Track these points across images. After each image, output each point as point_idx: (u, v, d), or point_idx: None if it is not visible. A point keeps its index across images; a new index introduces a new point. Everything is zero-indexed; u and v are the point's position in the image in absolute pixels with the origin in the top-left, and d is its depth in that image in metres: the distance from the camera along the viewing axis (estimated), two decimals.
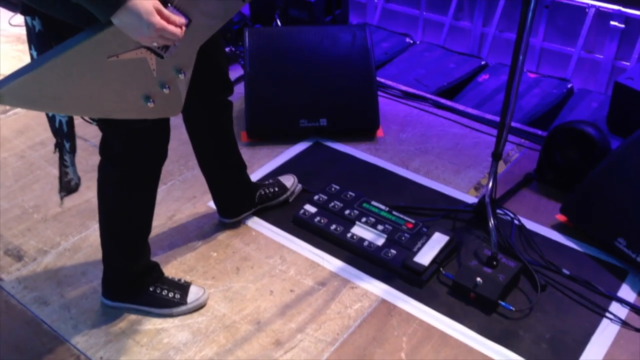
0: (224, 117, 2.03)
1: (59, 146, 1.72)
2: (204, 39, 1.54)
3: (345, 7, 3.94)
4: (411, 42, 3.95)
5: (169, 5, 1.39)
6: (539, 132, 2.80)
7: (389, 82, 3.26)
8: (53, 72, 1.32)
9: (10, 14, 4.14)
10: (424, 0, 4.55)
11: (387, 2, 4.70)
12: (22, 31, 3.88)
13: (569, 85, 3.37)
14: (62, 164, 1.76)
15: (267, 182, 2.37)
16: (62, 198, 1.83)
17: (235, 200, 2.27)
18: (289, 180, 2.40)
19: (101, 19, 1.31)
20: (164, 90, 1.49)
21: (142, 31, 1.32)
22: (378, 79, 3.03)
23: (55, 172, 2.57)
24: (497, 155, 2.10)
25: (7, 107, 3.06)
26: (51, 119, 1.67)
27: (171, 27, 1.36)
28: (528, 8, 1.86)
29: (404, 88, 3.21)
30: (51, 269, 2.09)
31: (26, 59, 3.46)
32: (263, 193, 2.32)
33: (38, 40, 1.48)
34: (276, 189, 2.35)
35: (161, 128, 1.69)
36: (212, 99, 1.94)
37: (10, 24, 4.02)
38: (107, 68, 1.37)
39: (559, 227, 2.26)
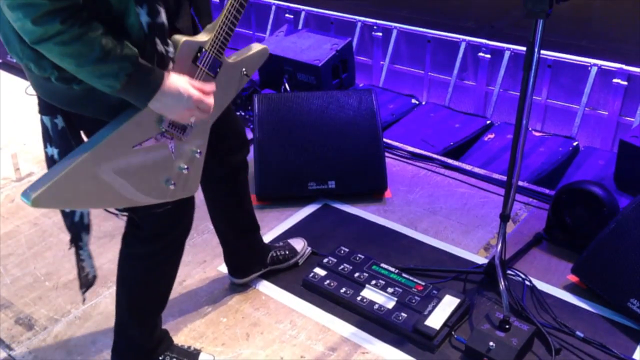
0: (240, 178, 2.07)
1: (75, 241, 1.69)
2: (216, 116, 1.60)
3: (351, 71, 4.05)
4: (417, 103, 4.03)
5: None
6: (547, 191, 2.81)
7: (396, 144, 3.31)
8: (83, 170, 1.35)
9: (27, 83, 4.27)
10: (429, 61, 4.67)
11: (393, 63, 4.82)
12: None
13: (575, 143, 3.40)
14: (78, 259, 1.73)
15: (278, 245, 2.38)
16: (83, 294, 1.80)
17: (247, 261, 2.28)
18: (299, 244, 2.41)
19: (140, 106, 1.38)
20: (183, 171, 1.54)
21: (182, 106, 1.40)
22: (385, 139, 3.08)
23: (67, 239, 2.59)
24: (505, 217, 2.11)
25: (22, 174, 3.13)
26: (69, 214, 1.65)
27: (206, 98, 1.45)
28: (529, 74, 1.91)
29: (411, 149, 3.26)
30: (61, 338, 2.09)
31: None
32: (274, 255, 2.33)
33: (60, 137, 1.51)
34: (287, 252, 2.36)
35: (185, 205, 1.70)
36: (228, 160, 1.96)
37: (27, 94, 4.14)
38: (132, 157, 1.42)
39: (571, 288, 2.24)
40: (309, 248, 2.45)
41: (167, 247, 1.76)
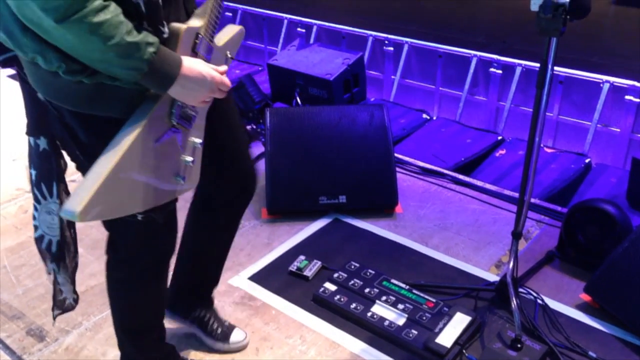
0: (235, 217, 1.90)
1: (49, 265, 1.65)
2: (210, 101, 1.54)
3: (362, 85, 4.07)
4: (428, 117, 4.03)
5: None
6: (559, 209, 2.80)
7: (407, 159, 3.31)
8: (119, 173, 1.30)
9: None
10: (440, 75, 4.68)
11: (404, 78, 4.83)
12: None
13: (587, 160, 3.39)
14: (55, 282, 1.68)
15: (220, 318, 2.08)
16: (54, 317, 1.75)
17: (180, 295, 2.02)
18: (239, 335, 2.07)
19: (160, 91, 1.33)
20: (189, 164, 1.50)
21: (205, 89, 1.37)
22: (396, 154, 3.08)
23: (80, 250, 2.61)
24: (517, 235, 2.10)
25: None
26: (38, 239, 1.60)
27: (225, 79, 1.42)
28: (542, 91, 1.91)
29: (421, 164, 3.26)
30: (72, 350, 2.09)
31: None
32: (206, 317, 2.03)
33: (39, 158, 1.48)
34: (219, 329, 2.04)
35: (172, 219, 1.64)
36: (230, 190, 1.81)
37: None
38: (155, 154, 1.38)
39: (583, 307, 2.22)
40: (315, 268, 2.41)
41: (143, 272, 1.67)
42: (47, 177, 1.52)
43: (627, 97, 3.83)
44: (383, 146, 2.86)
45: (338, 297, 2.26)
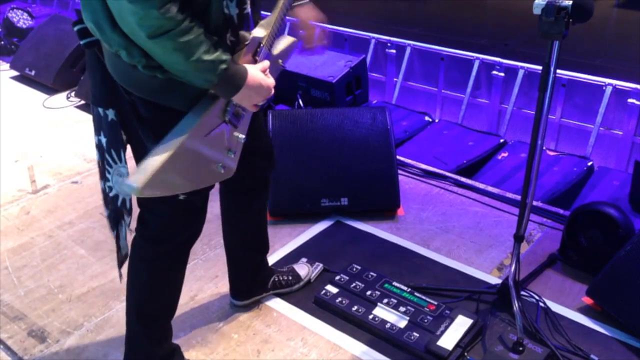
0: (261, 195, 2.07)
1: (116, 226, 1.78)
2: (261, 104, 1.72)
3: (365, 87, 4.07)
4: (430, 120, 4.03)
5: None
6: (561, 212, 2.80)
7: (409, 161, 3.31)
8: (179, 157, 1.46)
9: (45, 96, 4.34)
10: (442, 78, 4.68)
11: (406, 80, 4.83)
12: (55, 113, 4.06)
13: (589, 163, 3.38)
14: (118, 240, 1.81)
15: (281, 270, 2.36)
16: (120, 271, 1.87)
17: (250, 283, 2.26)
18: (303, 269, 2.39)
19: (226, 97, 1.52)
20: (231, 155, 1.65)
21: (261, 95, 1.56)
22: (398, 157, 3.08)
23: (82, 251, 2.63)
24: (519, 238, 2.10)
25: (38, 187, 3.16)
26: (113, 198, 1.75)
27: (274, 82, 1.62)
28: (545, 94, 1.91)
29: (424, 167, 3.26)
30: (73, 351, 2.10)
31: (64, 140, 3.60)
32: (277, 280, 2.31)
33: (110, 128, 1.63)
34: (290, 278, 2.34)
35: (203, 205, 1.78)
36: (253, 174, 1.96)
37: (44, 106, 4.20)
38: (204, 145, 1.55)
39: (585, 310, 2.22)
40: (317, 270, 2.43)
41: (171, 252, 1.78)
42: (115, 145, 1.67)
43: (629, 100, 3.82)
44: (385, 148, 2.86)
45: (339, 299, 2.26)
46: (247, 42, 1.58)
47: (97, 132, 1.67)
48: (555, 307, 2.23)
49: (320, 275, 2.42)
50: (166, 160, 1.43)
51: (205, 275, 2.46)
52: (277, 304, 2.29)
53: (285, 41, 1.80)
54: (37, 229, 2.80)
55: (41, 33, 4.76)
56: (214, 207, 2.86)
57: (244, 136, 1.67)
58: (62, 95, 4.33)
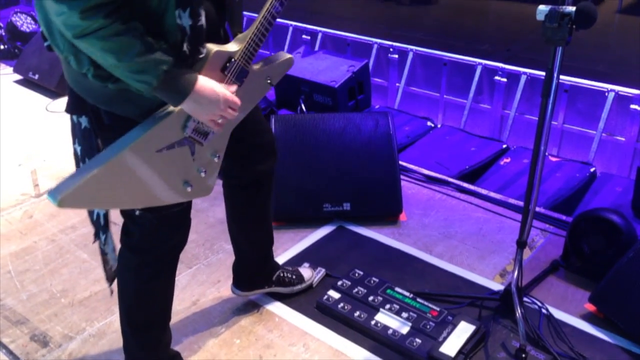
0: (263, 188, 2.04)
1: (96, 236, 1.76)
2: (238, 121, 1.67)
3: (367, 92, 4.08)
4: (432, 125, 4.03)
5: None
6: (564, 218, 2.79)
7: (411, 167, 3.31)
8: (109, 173, 1.41)
9: (48, 100, 4.35)
10: (444, 83, 4.68)
11: (408, 85, 4.84)
12: (58, 117, 4.07)
13: (592, 169, 3.38)
14: (102, 252, 1.79)
15: (287, 268, 2.37)
16: (110, 286, 1.85)
17: (254, 274, 2.25)
18: (307, 272, 2.38)
19: (174, 105, 1.45)
20: (201, 174, 1.59)
21: (215, 106, 1.47)
22: (400, 162, 3.08)
23: (84, 256, 2.63)
24: (521, 244, 2.09)
25: (41, 191, 3.17)
26: (89, 212, 1.73)
27: (236, 98, 1.52)
28: (548, 100, 1.91)
29: (426, 172, 3.26)
30: (76, 356, 2.09)
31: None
32: (281, 275, 2.31)
33: (83, 136, 1.59)
34: (294, 277, 2.33)
35: (184, 216, 1.74)
36: (253, 168, 1.95)
37: (48, 110, 4.21)
38: (155, 161, 1.48)
39: (588, 317, 2.21)
40: (319, 275, 2.42)
41: (156, 261, 1.75)
42: (89, 153, 1.61)
43: (632, 106, 3.82)
44: (387, 154, 2.86)
45: (342, 304, 2.25)
46: (201, 55, 1.48)
47: (73, 140, 1.62)
48: (558, 314, 2.23)
49: (322, 281, 2.42)
50: (93, 176, 1.38)
51: (208, 280, 2.46)
52: (278, 309, 2.29)
53: (276, 57, 1.72)
54: (39, 233, 2.81)
55: None
56: (215, 212, 2.87)
57: (217, 154, 1.60)
58: (65, 99, 4.34)
